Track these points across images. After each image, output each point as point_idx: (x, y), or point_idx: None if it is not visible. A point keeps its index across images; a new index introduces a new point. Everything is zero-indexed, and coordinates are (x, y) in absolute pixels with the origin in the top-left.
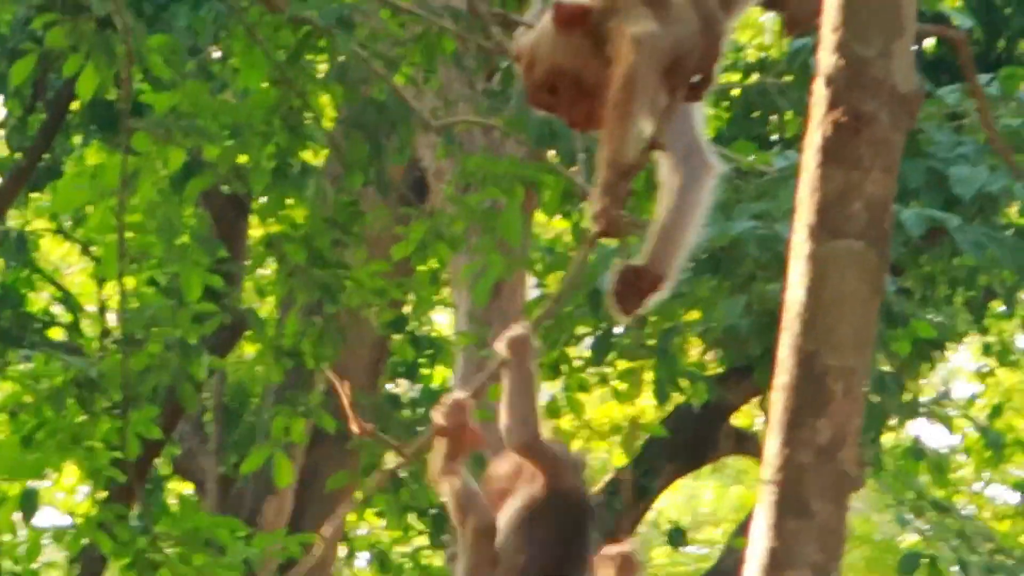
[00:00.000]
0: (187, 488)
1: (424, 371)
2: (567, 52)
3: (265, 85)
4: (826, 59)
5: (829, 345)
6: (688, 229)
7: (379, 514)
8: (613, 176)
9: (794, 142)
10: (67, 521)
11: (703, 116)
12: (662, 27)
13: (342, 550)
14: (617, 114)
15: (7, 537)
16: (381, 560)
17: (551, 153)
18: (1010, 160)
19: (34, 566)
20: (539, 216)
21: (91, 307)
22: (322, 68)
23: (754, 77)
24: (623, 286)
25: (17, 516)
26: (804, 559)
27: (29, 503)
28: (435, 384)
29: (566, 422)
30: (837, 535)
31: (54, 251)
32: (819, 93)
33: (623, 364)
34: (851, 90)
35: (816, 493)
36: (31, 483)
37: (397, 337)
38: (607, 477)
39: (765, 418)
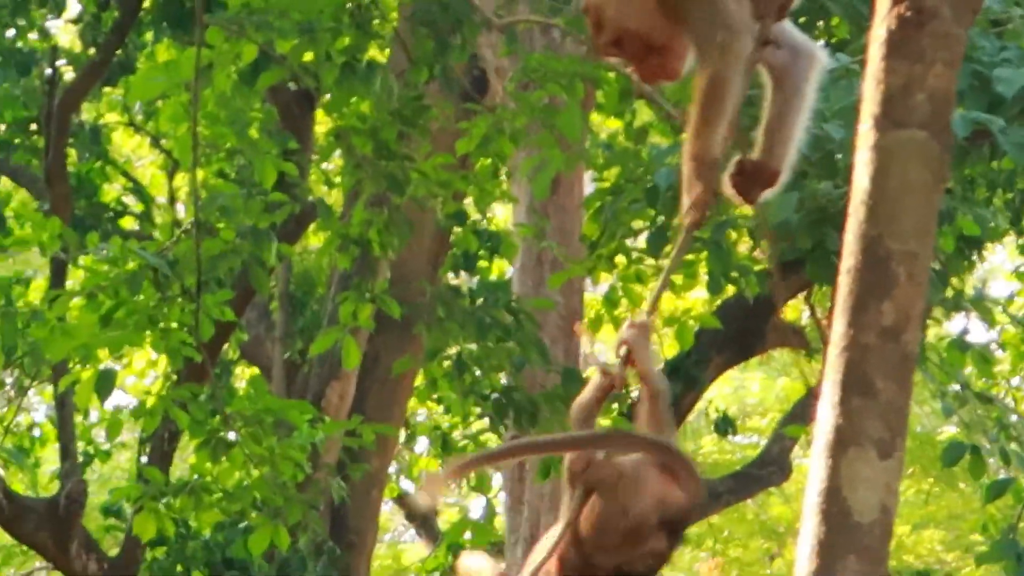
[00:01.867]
0: (254, 373)
1: (483, 263)
2: (634, 14)
3: None
4: None
5: (893, 230)
6: (797, 125)
7: (439, 400)
8: (702, 168)
9: (843, 46)
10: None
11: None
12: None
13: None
14: (704, 118)
15: (79, 419)
16: (443, 442)
17: None
18: None
19: (106, 447)
20: (595, 116)
21: (161, 198)
22: None
23: None
24: (742, 178)
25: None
26: (868, 435)
27: (105, 383)
28: (493, 276)
29: (622, 312)
30: (901, 413)
31: (126, 144)
32: None
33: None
34: None
35: (880, 372)
36: (107, 364)
37: (458, 229)
38: (660, 366)
39: (811, 312)
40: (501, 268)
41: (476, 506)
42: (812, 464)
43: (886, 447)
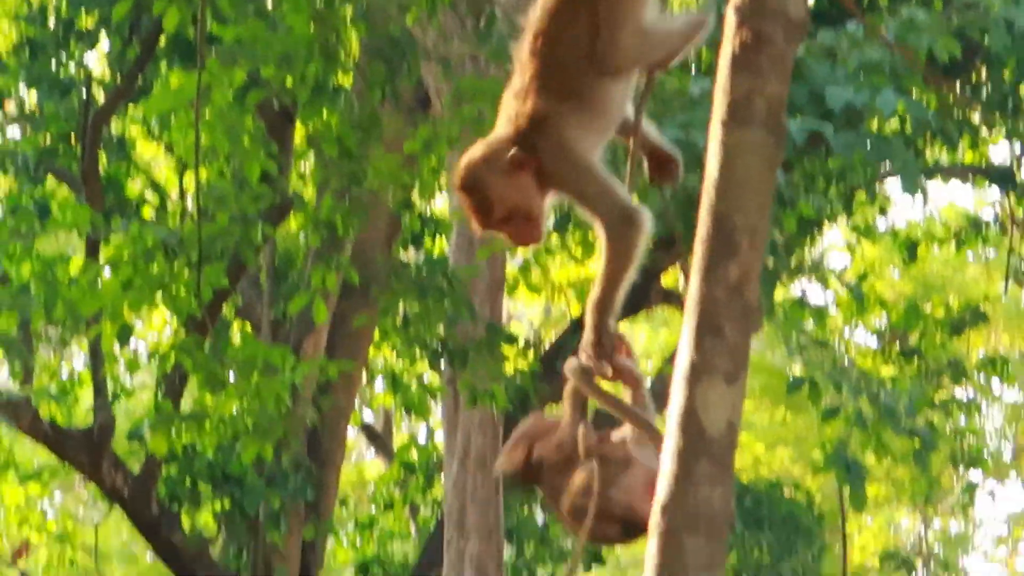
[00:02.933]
0: (246, 328)
1: (427, 242)
2: (518, 193)
3: (306, 23)
4: None
5: (737, 208)
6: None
7: (391, 348)
8: (598, 319)
9: (709, 72)
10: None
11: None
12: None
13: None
14: (609, 281)
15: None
16: (394, 381)
17: None
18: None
19: (129, 386)
20: None
21: (173, 193)
22: (350, 10)
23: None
24: (661, 167)
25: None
26: (717, 368)
27: (124, 333)
28: (436, 253)
29: (534, 279)
30: (743, 351)
31: (146, 150)
32: (730, 19)
33: (579, 232)
34: (754, 16)
35: (727, 319)
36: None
37: (407, 214)
38: (567, 323)
39: (685, 278)
40: (441, 245)
41: (421, 430)
42: (673, 391)
43: (731, 377)
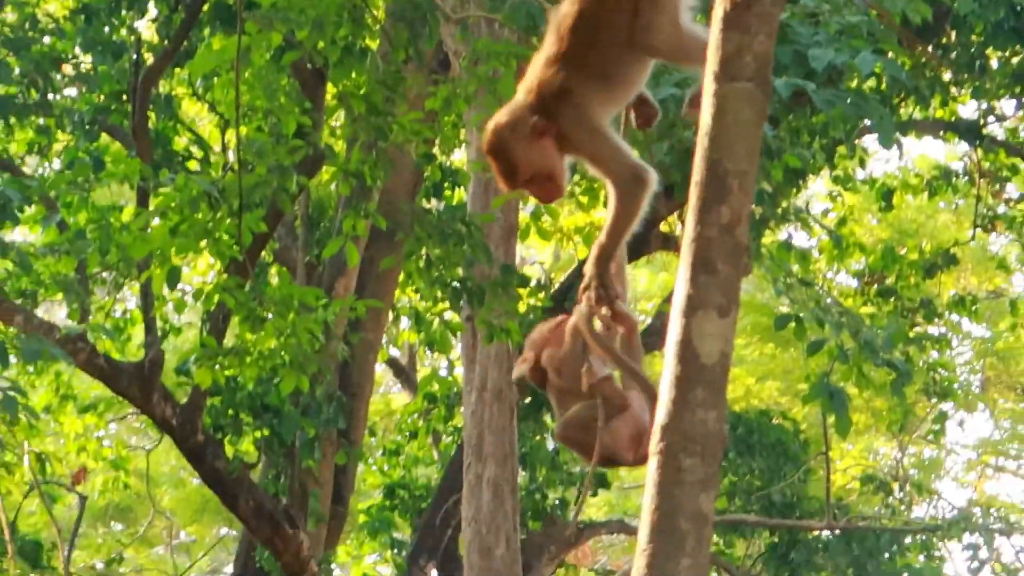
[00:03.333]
0: (283, 271)
1: (447, 191)
2: (541, 157)
3: None
4: None
5: (728, 154)
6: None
7: (414, 289)
8: (599, 259)
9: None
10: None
11: None
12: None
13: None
14: (616, 227)
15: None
16: (417, 318)
17: (533, 37)
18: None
19: (176, 325)
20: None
21: (215, 147)
22: None
23: None
24: (643, 112)
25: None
26: (711, 302)
27: (173, 276)
28: (454, 199)
29: (544, 225)
30: (734, 286)
31: (191, 108)
32: None
33: (585, 182)
34: None
35: (720, 257)
36: (177, 262)
37: (428, 166)
38: (575, 264)
39: (682, 225)
40: (459, 194)
41: (443, 365)
42: (671, 324)
43: (724, 310)
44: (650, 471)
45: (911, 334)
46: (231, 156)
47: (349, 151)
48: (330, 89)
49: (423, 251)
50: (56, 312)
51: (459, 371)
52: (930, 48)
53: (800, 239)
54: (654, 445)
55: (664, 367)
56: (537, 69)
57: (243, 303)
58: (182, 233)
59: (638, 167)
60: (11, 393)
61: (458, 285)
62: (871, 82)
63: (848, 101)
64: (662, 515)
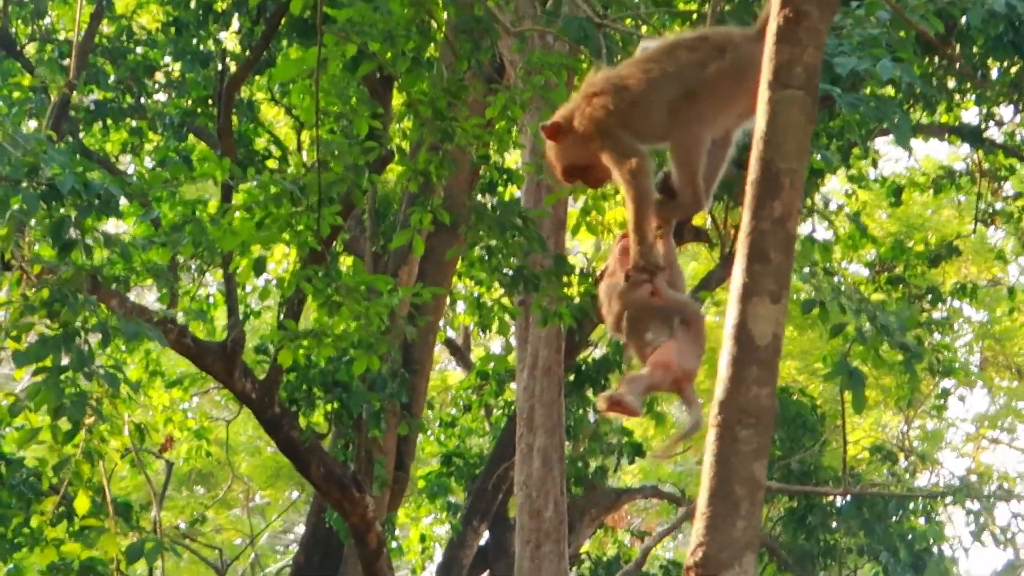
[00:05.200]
0: (353, 260)
1: (501, 188)
2: (568, 151)
3: (406, 5)
4: None
5: (780, 154)
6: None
7: (472, 277)
8: (643, 247)
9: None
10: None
11: None
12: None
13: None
14: (636, 215)
15: (240, 291)
16: (477, 304)
17: (584, 49)
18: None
19: (256, 308)
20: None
21: (291, 147)
22: None
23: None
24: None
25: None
26: (765, 288)
27: (259, 265)
28: (508, 196)
29: (593, 218)
30: (785, 274)
31: (270, 112)
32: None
33: None
34: None
35: (772, 247)
36: (260, 253)
37: (486, 166)
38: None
39: (712, 220)
40: (512, 191)
41: (496, 345)
42: (728, 308)
43: (776, 296)
44: (708, 442)
45: (920, 318)
46: (304, 156)
47: (415, 152)
48: (396, 96)
49: (482, 242)
50: (145, 296)
51: (512, 352)
52: (937, 59)
53: (820, 232)
54: (712, 417)
55: (722, 348)
56: (600, 82)
57: (319, 289)
58: (266, 226)
59: (631, 158)
60: (111, 370)
61: (514, 273)
62: (886, 88)
63: (870, 104)
64: (720, 481)
